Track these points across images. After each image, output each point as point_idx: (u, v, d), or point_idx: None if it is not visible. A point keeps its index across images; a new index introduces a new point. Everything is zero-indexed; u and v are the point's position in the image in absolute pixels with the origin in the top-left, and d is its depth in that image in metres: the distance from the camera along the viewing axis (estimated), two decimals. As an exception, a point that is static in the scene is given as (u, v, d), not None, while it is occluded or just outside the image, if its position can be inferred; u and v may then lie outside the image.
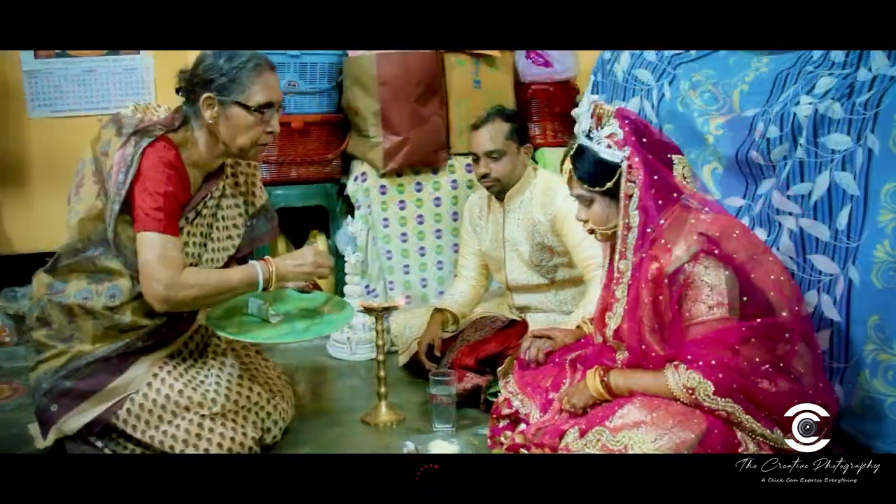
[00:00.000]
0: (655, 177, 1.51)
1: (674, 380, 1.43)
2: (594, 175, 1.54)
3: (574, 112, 1.61)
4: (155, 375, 1.70)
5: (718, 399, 1.39)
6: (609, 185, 1.53)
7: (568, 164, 1.59)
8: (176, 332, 1.77)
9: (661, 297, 1.47)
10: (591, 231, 1.61)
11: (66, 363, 1.68)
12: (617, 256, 1.57)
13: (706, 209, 1.53)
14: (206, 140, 1.69)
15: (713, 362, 1.40)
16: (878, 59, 1.77)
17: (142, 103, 1.76)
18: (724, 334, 1.42)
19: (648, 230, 1.50)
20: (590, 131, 1.56)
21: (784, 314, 1.44)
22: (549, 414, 1.67)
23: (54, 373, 1.69)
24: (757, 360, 1.40)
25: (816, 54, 1.96)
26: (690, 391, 1.41)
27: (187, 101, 1.68)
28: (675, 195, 1.52)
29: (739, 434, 1.42)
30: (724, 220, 1.52)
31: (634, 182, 1.50)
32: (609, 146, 1.53)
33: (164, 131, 1.65)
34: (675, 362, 1.45)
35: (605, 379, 1.54)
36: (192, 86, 1.66)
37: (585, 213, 1.60)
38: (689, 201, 1.54)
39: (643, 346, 1.50)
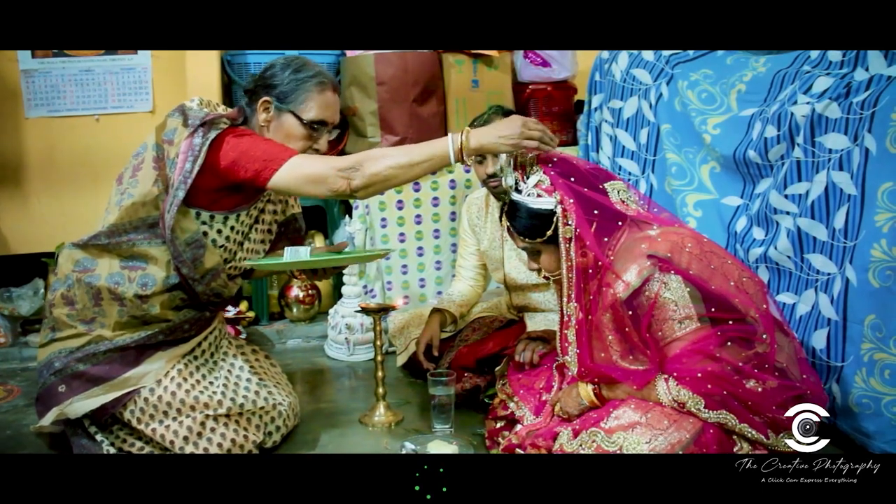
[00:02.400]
0: (595, 211, 1.49)
1: (665, 395, 1.43)
2: (532, 228, 1.52)
3: (496, 168, 1.59)
4: (167, 374, 1.71)
5: (711, 412, 1.39)
6: (549, 233, 1.51)
7: (505, 222, 1.58)
8: (197, 329, 1.79)
9: (623, 322, 1.45)
10: (547, 278, 1.60)
11: (84, 346, 1.69)
12: (565, 300, 1.55)
13: (655, 225, 1.51)
14: None
15: (699, 375, 1.39)
16: (875, 59, 1.77)
17: (205, 98, 1.78)
18: (702, 343, 1.41)
19: (591, 270, 1.48)
20: (517, 184, 1.55)
21: (752, 314, 1.43)
22: (543, 417, 1.67)
23: (69, 353, 1.69)
24: (740, 362, 1.40)
25: (814, 54, 1.96)
26: (682, 405, 1.41)
27: (249, 103, 1.73)
28: (619, 222, 1.50)
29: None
30: (673, 235, 1.47)
31: (571, 224, 1.48)
32: (539, 195, 1.51)
33: (229, 124, 1.68)
34: (665, 375, 1.44)
35: (598, 387, 1.54)
36: (255, 88, 1.72)
37: (536, 262, 1.59)
38: (636, 222, 1.51)
39: (618, 374, 1.48)
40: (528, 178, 1.53)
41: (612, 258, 1.47)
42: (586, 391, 1.54)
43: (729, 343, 1.41)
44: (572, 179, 1.50)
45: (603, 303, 1.47)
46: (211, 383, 1.76)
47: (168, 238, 1.65)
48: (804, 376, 1.47)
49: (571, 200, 1.48)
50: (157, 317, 1.71)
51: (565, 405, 1.58)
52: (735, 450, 1.41)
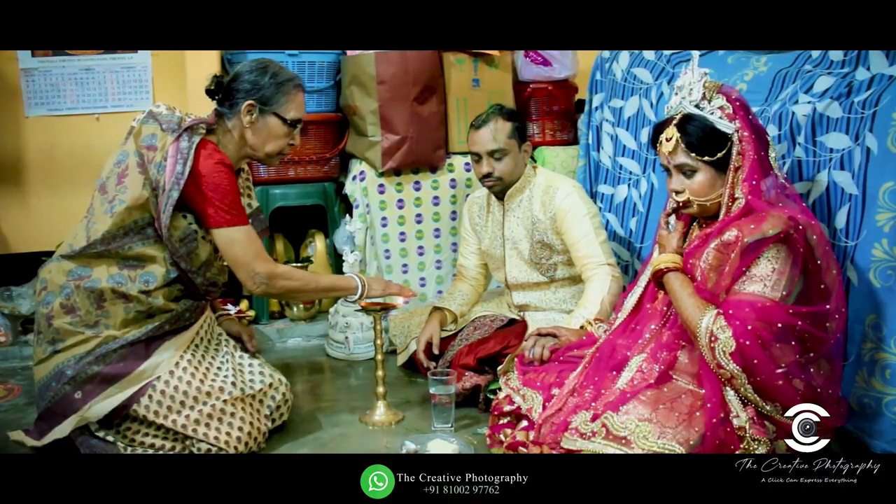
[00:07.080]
0: (762, 153, 1.53)
1: (706, 321, 1.44)
2: (704, 142, 1.54)
3: (679, 83, 1.60)
4: (177, 364, 1.77)
5: (731, 364, 1.41)
6: (719, 155, 1.53)
7: (672, 132, 1.57)
8: (195, 316, 1.88)
9: (727, 261, 1.48)
10: (686, 202, 1.59)
11: (94, 349, 1.72)
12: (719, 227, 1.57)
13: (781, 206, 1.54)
14: (236, 143, 1.86)
15: (749, 327, 1.41)
16: (877, 58, 1.77)
17: (169, 104, 1.88)
18: (771, 311, 1.43)
19: (750, 198, 1.51)
20: (699, 103, 1.57)
21: (832, 324, 1.47)
22: (552, 405, 1.65)
23: (80, 359, 1.72)
24: (791, 345, 1.42)
25: (815, 54, 1.96)
26: (713, 340, 1.42)
27: (224, 105, 1.85)
28: (773, 175, 1.55)
29: (739, 434, 1.42)
30: (808, 217, 1.53)
31: (743, 155, 1.52)
32: (721, 117, 1.55)
33: (206, 131, 1.81)
34: (719, 310, 1.46)
35: (666, 270, 1.56)
36: (232, 92, 1.83)
37: (682, 183, 1.58)
38: (773, 192, 1.55)
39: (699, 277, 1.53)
40: (710, 101, 1.57)
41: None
42: (660, 262, 1.58)
43: (799, 324, 1.43)
44: (750, 118, 1.56)
45: (719, 236, 1.50)
46: (219, 369, 1.84)
47: (165, 236, 1.75)
48: (833, 397, 1.49)
49: (747, 133, 1.52)
50: (161, 308, 1.79)
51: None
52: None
